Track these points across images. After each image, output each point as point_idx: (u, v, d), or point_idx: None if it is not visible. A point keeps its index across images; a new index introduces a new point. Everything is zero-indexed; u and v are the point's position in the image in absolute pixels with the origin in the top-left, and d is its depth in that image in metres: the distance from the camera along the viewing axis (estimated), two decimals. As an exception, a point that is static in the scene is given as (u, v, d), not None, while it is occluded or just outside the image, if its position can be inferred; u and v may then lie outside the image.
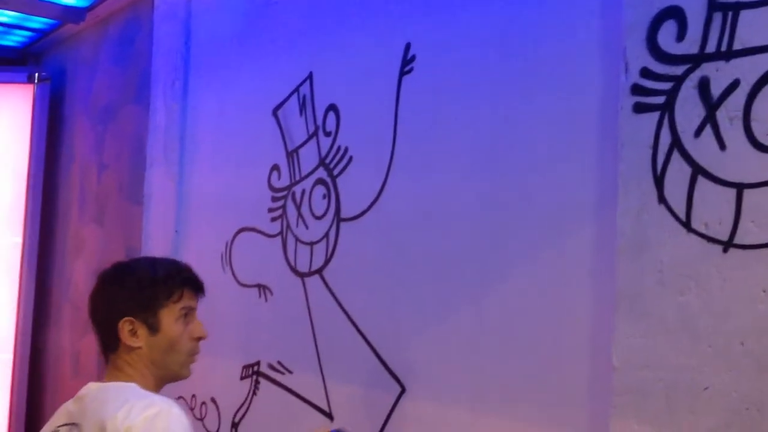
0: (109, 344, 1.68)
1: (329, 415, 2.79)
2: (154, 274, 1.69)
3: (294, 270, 3.05)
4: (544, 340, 2.08)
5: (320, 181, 2.97)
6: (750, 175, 1.62)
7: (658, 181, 1.78)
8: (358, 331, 2.70)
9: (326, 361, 2.85)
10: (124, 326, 1.63)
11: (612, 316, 1.84)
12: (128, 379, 1.64)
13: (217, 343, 3.37)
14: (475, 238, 2.31)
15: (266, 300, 3.20)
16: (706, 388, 1.64)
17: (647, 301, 1.78)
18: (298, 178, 3.09)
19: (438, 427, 2.35)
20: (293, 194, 3.11)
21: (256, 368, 3.20)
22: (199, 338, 1.74)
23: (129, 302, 1.64)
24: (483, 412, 2.21)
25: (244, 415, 3.24)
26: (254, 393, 3.19)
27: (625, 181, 1.85)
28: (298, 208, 3.07)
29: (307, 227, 3.02)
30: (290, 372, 3.02)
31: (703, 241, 1.69)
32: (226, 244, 3.44)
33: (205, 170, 3.65)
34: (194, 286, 1.75)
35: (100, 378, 1.72)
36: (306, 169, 3.06)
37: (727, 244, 1.65)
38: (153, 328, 1.64)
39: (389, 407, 2.52)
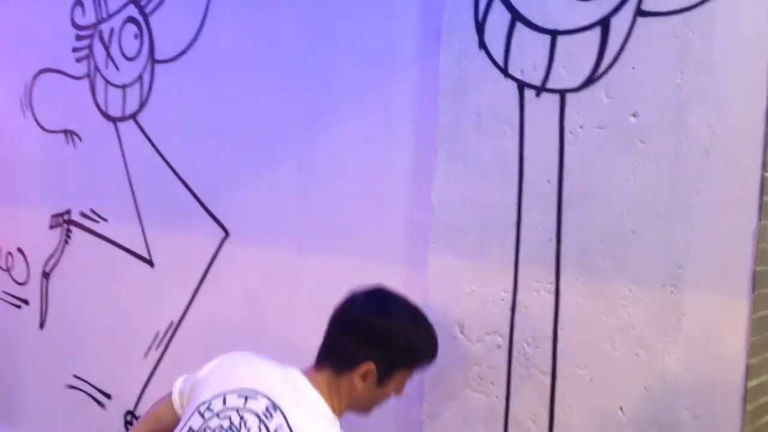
0: (338, 365, 1.56)
1: (149, 262, 2.76)
2: (422, 342, 1.61)
3: (105, 114, 2.89)
4: (369, 182, 2.15)
5: (131, 20, 2.77)
6: (564, 22, 1.71)
7: (480, 27, 1.83)
8: (178, 177, 2.63)
9: (144, 209, 2.77)
10: (364, 369, 1.54)
11: (433, 159, 1.92)
12: (328, 401, 1.54)
13: (20, 190, 3.17)
14: (300, 78, 2.28)
15: (75, 146, 3.02)
16: (516, 223, 1.78)
17: (465, 144, 1.87)
18: (105, 15, 2.86)
19: (264, 270, 2.40)
20: (100, 33, 2.88)
21: (66, 217, 3.05)
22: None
23: (384, 352, 1.55)
24: (309, 255, 2.27)
25: (56, 265, 3.12)
26: (66, 242, 3.07)
27: (448, 26, 1.89)
28: (107, 48, 2.86)
29: (118, 69, 2.83)
30: (105, 220, 2.92)
31: (519, 86, 1.78)
32: (26, 86, 3.17)
33: (-5, 3, 3.28)
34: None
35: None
36: (114, 5, 2.83)
37: (540, 89, 1.75)
38: (381, 382, 1.57)
39: (213, 251, 2.52)
